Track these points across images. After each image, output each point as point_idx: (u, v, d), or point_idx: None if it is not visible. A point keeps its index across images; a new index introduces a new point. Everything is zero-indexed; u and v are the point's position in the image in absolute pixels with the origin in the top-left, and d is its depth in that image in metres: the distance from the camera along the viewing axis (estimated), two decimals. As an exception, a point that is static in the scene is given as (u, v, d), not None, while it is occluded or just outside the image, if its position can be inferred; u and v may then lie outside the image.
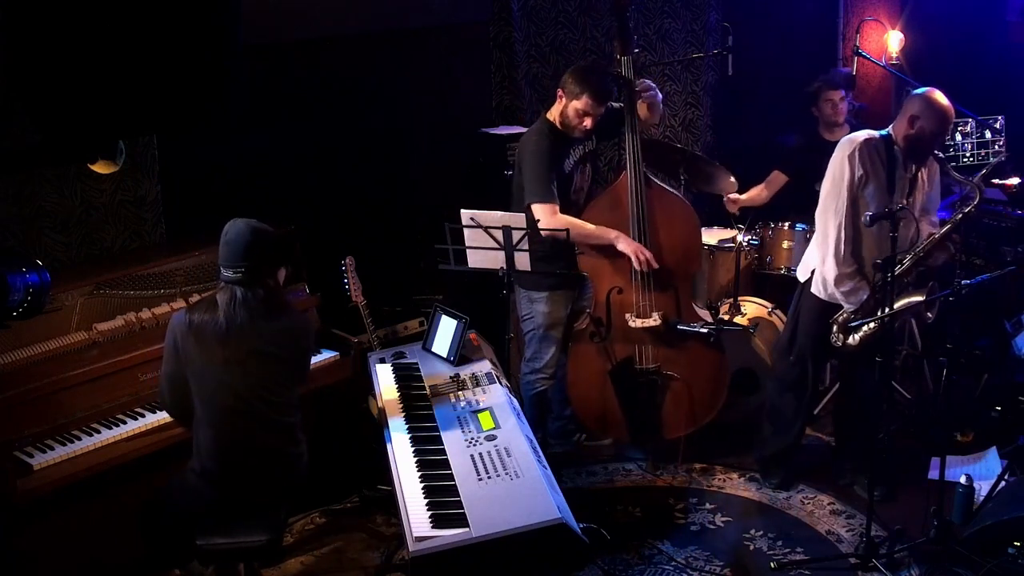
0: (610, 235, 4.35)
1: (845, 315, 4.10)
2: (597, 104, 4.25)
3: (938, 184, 4.22)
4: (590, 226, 4.35)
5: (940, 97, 3.95)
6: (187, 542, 3.37)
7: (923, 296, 3.93)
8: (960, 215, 3.96)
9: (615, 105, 4.52)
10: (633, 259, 4.32)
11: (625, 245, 4.33)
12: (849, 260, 4.05)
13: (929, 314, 4.04)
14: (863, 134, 4.08)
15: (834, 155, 4.08)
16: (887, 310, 3.79)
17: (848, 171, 4.00)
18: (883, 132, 4.07)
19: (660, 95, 4.55)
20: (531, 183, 4.29)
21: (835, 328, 4.13)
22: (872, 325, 3.94)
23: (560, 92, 4.32)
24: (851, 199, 4.02)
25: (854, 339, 4.07)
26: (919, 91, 4.02)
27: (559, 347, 4.56)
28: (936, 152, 3.99)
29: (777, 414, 4.49)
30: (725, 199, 5.34)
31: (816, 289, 4.18)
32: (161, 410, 3.77)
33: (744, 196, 5.39)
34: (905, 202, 3.99)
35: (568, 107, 4.30)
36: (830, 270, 4.08)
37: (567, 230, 4.14)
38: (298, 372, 3.56)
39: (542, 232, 4.17)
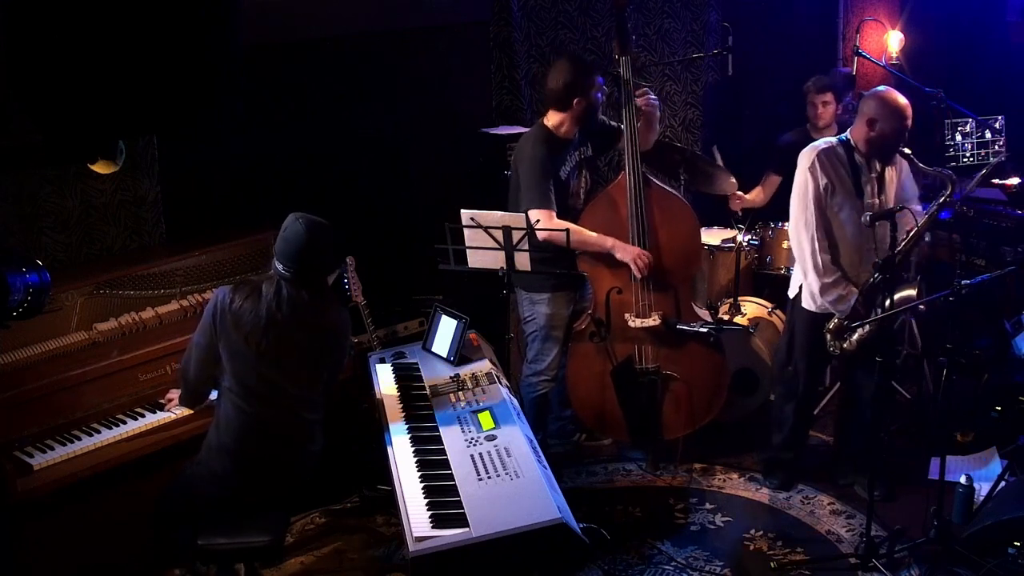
0: (606, 243, 4.34)
1: (836, 322, 4.10)
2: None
3: (909, 173, 4.22)
4: (588, 233, 4.33)
5: (894, 95, 3.97)
6: (194, 532, 3.37)
7: (914, 289, 3.94)
8: (935, 206, 3.95)
9: (612, 124, 4.55)
10: (633, 267, 4.32)
11: (623, 254, 4.33)
12: (830, 269, 4.07)
13: (921, 306, 4.04)
14: (821, 143, 4.11)
15: (797, 168, 4.10)
16: (883, 310, 3.79)
17: (811, 183, 4.03)
18: (842, 137, 4.10)
19: (658, 112, 4.56)
20: (528, 190, 4.28)
21: (829, 337, 4.13)
22: (868, 327, 3.94)
23: (576, 100, 4.30)
24: (819, 210, 4.04)
25: (851, 343, 4.07)
26: (872, 92, 4.04)
27: (561, 348, 4.56)
28: (901, 148, 3.99)
29: (782, 422, 4.50)
30: (730, 196, 5.34)
31: (806, 303, 4.19)
32: (161, 410, 3.78)
33: (748, 195, 5.40)
34: (877, 201, 4.00)
35: (591, 97, 4.33)
36: (813, 282, 4.10)
37: (567, 231, 4.14)
38: (330, 371, 3.59)
39: (539, 235, 4.17)
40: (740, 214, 5.35)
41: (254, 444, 3.41)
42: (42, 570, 3.60)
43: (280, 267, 3.39)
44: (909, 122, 3.98)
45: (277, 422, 3.44)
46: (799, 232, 4.10)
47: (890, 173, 4.13)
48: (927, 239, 4.36)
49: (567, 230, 4.16)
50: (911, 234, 3.98)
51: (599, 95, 4.39)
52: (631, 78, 4.39)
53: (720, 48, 5.57)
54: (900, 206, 3.88)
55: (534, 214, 4.25)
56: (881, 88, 4.03)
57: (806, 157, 4.07)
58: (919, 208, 4.21)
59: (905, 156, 4.00)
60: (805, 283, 4.17)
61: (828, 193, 4.03)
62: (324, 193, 4.78)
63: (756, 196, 5.49)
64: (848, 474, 4.54)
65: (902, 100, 3.96)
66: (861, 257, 4.08)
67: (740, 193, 5.34)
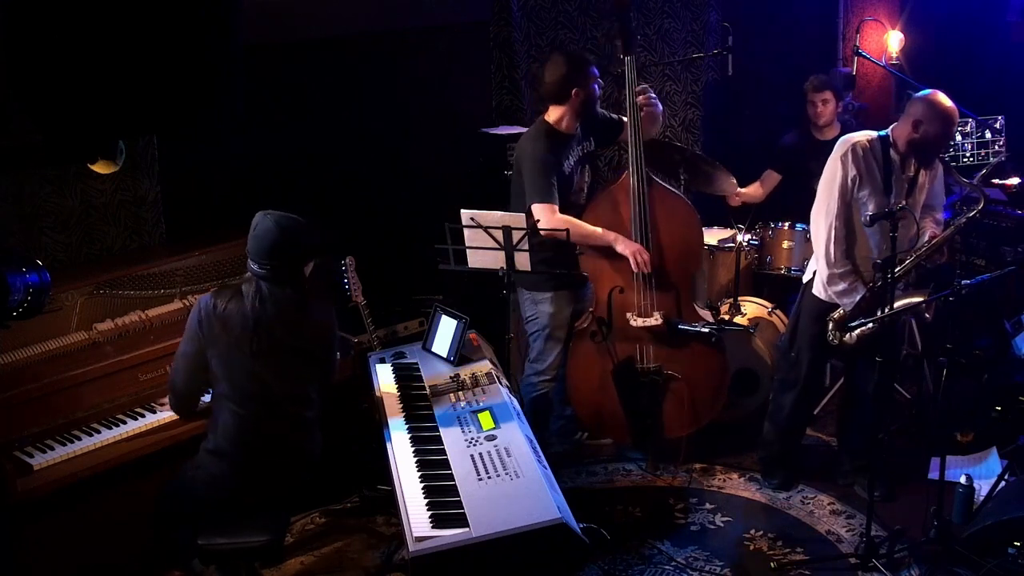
0: (609, 237, 4.35)
1: (841, 313, 4.11)
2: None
3: (941, 180, 4.22)
4: (589, 227, 4.35)
5: (944, 99, 3.93)
6: (194, 532, 3.37)
7: (924, 297, 3.93)
8: (964, 220, 3.95)
9: (614, 116, 4.55)
10: (631, 261, 4.33)
11: (624, 247, 4.34)
12: (842, 260, 4.06)
13: (927, 315, 4.04)
14: (859, 135, 4.07)
15: (831, 156, 4.09)
16: (887, 310, 3.79)
17: (840, 172, 4.01)
18: (882, 133, 4.06)
19: (660, 107, 4.56)
20: (531, 184, 4.30)
21: (831, 326, 4.13)
22: (870, 325, 3.94)
23: (574, 92, 4.30)
24: (843, 200, 4.02)
25: (851, 337, 4.07)
26: (922, 94, 3.99)
27: (563, 348, 4.56)
28: (941, 155, 3.98)
29: (778, 413, 4.50)
30: (729, 194, 5.36)
31: (817, 290, 4.19)
32: (161, 410, 3.78)
33: (747, 190, 5.41)
34: (904, 203, 3.99)
35: (589, 88, 4.34)
36: (822, 270, 4.09)
37: (567, 230, 4.14)
38: (323, 367, 3.59)
39: (542, 232, 4.17)
40: (740, 206, 5.36)
41: (252, 447, 3.41)
42: (42, 570, 3.60)
43: (255, 266, 3.38)
44: (955, 128, 3.98)
45: (274, 423, 3.44)
46: (819, 218, 4.09)
47: (923, 177, 4.10)
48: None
49: (567, 228, 4.16)
50: (931, 242, 3.99)
51: (596, 85, 4.39)
52: (635, 79, 4.39)
53: (720, 48, 5.58)
54: (900, 205, 3.88)
55: (536, 208, 4.25)
56: (930, 91, 3.98)
57: (842, 146, 4.04)
58: (941, 217, 4.22)
59: (944, 163, 4.00)
60: (818, 269, 4.17)
61: (855, 185, 4.00)
62: (324, 193, 4.78)
63: (754, 191, 5.49)
64: (848, 474, 4.54)
65: (951, 106, 3.91)
66: (880, 254, 4.07)
67: (740, 189, 5.35)
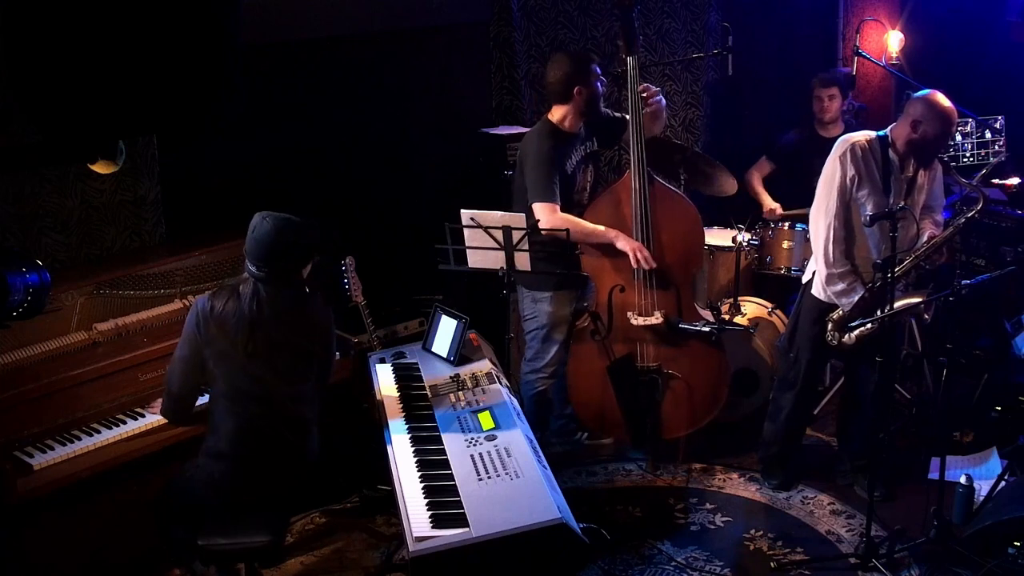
0: (609, 235, 4.35)
1: (840, 314, 4.11)
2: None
3: (940, 181, 4.22)
4: (590, 225, 4.36)
5: (942, 99, 3.93)
6: (194, 534, 3.37)
7: (922, 297, 3.93)
8: (963, 220, 3.95)
9: (617, 115, 4.55)
10: (631, 257, 4.33)
11: (624, 244, 4.34)
12: (841, 261, 4.06)
13: (926, 316, 4.04)
14: (858, 135, 4.08)
15: (829, 155, 4.09)
16: (886, 310, 3.79)
17: (839, 172, 4.01)
18: (880, 133, 4.06)
19: (664, 102, 4.58)
20: (533, 183, 4.30)
21: (830, 326, 4.13)
22: (870, 325, 3.94)
23: (576, 90, 4.33)
24: (842, 200, 4.02)
25: (850, 337, 4.07)
26: (920, 94, 3.99)
27: (562, 346, 4.56)
28: (940, 155, 3.98)
29: (778, 413, 4.50)
30: (765, 212, 5.45)
31: (816, 290, 4.19)
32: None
33: (768, 201, 5.48)
34: (904, 203, 3.99)
35: (592, 86, 4.36)
36: (821, 270, 4.09)
37: (567, 229, 4.14)
38: (321, 366, 3.58)
39: (542, 231, 4.17)
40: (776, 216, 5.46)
41: (251, 446, 3.41)
42: (42, 570, 3.60)
43: (253, 268, 3.38)
44: (954, 128, 3.97)
45: (272, 422, 3.44)
46: (818, 217, 4.09)
47: (922, 178, 4.10)
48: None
49: (567, 228, 4.16)
50: (931, 243, 3.99)
51: (599, 84, 4.41)
52: (638, 78, 4.39)
53: (720, 48, 5.58)
54: (900, 205, 3.88)
55: (537, 207, 4.26)
56: (929, 91, 3.99)
57: (840, 146, 4.05)
58: (941, 218, 4.22)
59: (944, 163, 4.00)
60: (817, 269, 4.17)
61: (854, 185, 4.00)
62: (324, 193, 4.78)
63: (757, 185, 5.52)
64: (848, 474, 4.54)
65: (948, 105, 3.92)
66: (879, 254, 4.07)
67: (773, 207, 5.44)
